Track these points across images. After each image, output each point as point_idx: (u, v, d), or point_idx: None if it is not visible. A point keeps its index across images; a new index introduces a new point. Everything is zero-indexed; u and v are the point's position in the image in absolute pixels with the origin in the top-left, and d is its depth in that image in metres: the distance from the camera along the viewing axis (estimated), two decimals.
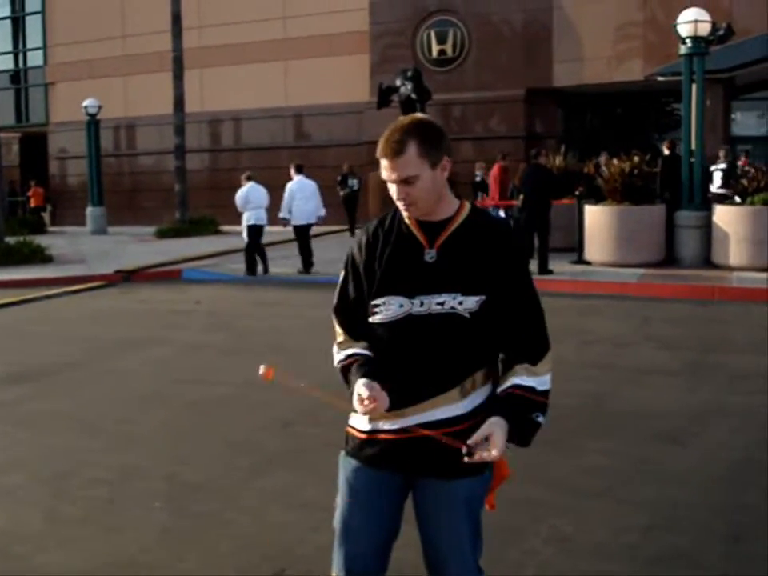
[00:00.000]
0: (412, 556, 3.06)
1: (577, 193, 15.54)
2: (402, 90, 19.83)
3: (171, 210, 25.57)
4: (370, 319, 2.66)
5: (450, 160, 2.62)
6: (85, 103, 27.00)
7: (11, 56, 35.21)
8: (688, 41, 14.77)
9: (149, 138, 30.24)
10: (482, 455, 2.46)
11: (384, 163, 2.56)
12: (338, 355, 2.76)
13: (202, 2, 28.45)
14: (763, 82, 22.44)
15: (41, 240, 19.43)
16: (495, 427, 2.49)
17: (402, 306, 2.59)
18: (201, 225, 24.55)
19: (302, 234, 15.83)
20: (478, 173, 19.74)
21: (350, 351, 2.72)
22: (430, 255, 2.60)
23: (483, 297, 2.56)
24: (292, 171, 16.12)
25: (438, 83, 23.15)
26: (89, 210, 27.45)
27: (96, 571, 4.21)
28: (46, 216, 30.81)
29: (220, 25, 28.26)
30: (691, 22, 14.65)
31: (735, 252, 13.90)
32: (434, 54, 25.11)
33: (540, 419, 2.62)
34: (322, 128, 27.54)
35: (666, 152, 16.55)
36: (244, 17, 27.86)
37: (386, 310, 2.61)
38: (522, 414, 2.58)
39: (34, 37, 34.09)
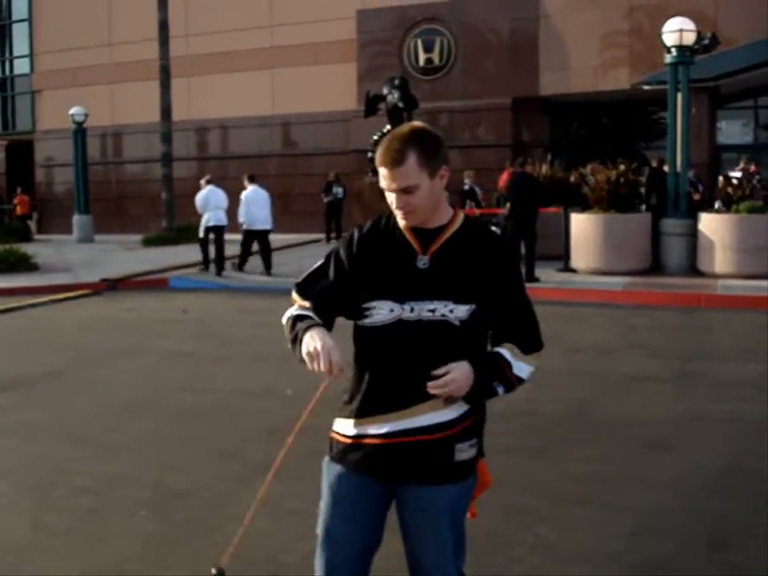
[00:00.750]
0: (394, 565, 3.07)
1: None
2: (389, 98, 19.86)
3: (158, 218, 25.52)
4: (361, 322, 2.66)
5: (447, 168, 2.64)
6: (71, 111, 26.94)
7: None
8: (673, 50, 14.87)
9: (136, 146, 30.19)
10: (439, 385, 2.49)
11: (384, 172, 2.56)
12: (290, 311, 2.75)
13: (189, 10, 28.46)
14: (748, 91, 22.61)
15: (27, 248, 19.34)
16: (462, 368, 2.53)
17: (392, 310, 2.60)
18: (188, 233, 24.45)
19: (260, 239, 16.70)
20: (466, 181, 19.75)
21: (304, 311, 2.70)
22: (422, 262, 2.61)
23: (474, 306, 2.58)
24: (246, 181, 17.16)
25: (425, 92, 23.20)
26: (75, 217, 27.37)
27: None
28: (32, 224, 30.70)
29: (207, 33, 28.26)
30: (676, 31, 14.75)
31: (721, 260, 13.97)
32: (421, 62, 25.18)
33: (500, 391, 2.65)
34: (310, 136, 27.55)
35: (654, 164, 16.58)
36: (231, 25, 27.86)
37: (376, 313, 2.62)
38: (489, 376, 2.61)
39: (20, 44, 34.02)
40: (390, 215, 2.69)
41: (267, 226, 16.79)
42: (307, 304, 2.72)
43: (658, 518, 4.75)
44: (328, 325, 2.67)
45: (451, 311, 2.57)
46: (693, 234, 14.55)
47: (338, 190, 23.29)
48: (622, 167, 15.14)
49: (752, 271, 13.59)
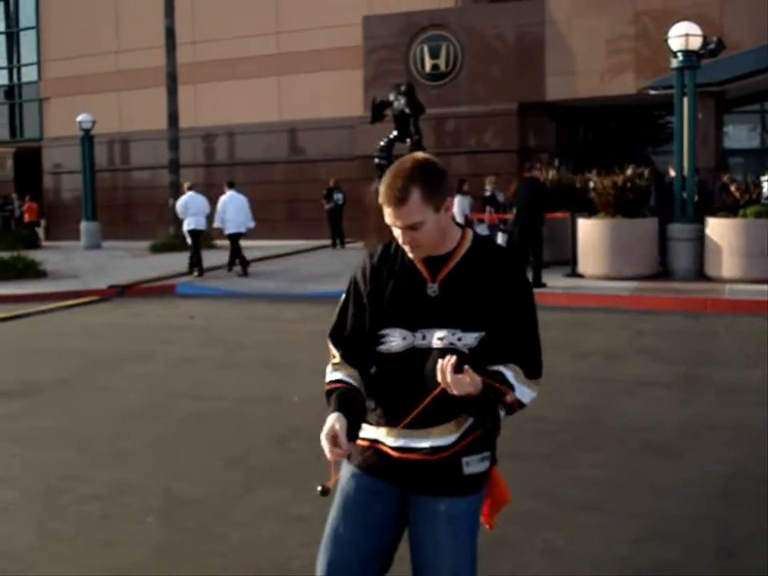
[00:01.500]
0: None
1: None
2: (396, 104, 19.89)
3: (165, 224, 25.60)
4: (376, 348, 2.69)
5: (451, 200, 2.63)
6: (79, 118, 27.03)
7: (5, 71, 35.30)
8: (679, 54, 14.86)
9: (143, 152, 30.29)
10: (453, 377, 2.43)
11: (388, 211, 2.55)
12: (328, 376, 2.77)
13: (196, 17, 28.56)
14: (754, 95, 22.59)
15: (35, 255, 19.43)
16: (477, 383, 2.47)
17: (404, 338, 2.63)
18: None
19: (234, 241, 17.63)
20: (488, 187, 19.55)
21: (337, 375, 2.74)
22: (432, 289, 2.62)
23: (483, 333, 2.59)
24: (225, 187, 18.11)
25: (432, 97, 23.24)
26: (83, 224, 27.46)
27: None
28: (40, 231, 30.81)
29: (214, 40, 28.36)
30: (682, 36, 14.76)
31: (728, 264, 13.96)
32: (427, 68, 25.21)
33: (501, 413, 2.61)
34: (316, 142, 27.61)
35: (672, 173, 16.39)
36: (237, 32, 27.96)
37: (389, 342, 2.65)
38: (495, 397, 2.56)
39: (28, 52, 34.17)
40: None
41: (242, 229, 17.62)
42: (337, 355, 2.77)
43: (664, 524, 4.75)
44: (363, 363, 2.72)
45: (459, 339, 2.58)
46: (700, 238, 14.54)
47: (339, 196, 23.35)
48: (628, 172, 15.14)
49: (759, 276, 13.56)
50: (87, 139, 27.30)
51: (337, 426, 2.56)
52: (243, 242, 17.87)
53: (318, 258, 21.12)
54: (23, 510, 5.27)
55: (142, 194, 30.55)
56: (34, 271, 18.02)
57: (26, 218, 31.02)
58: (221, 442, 6.53)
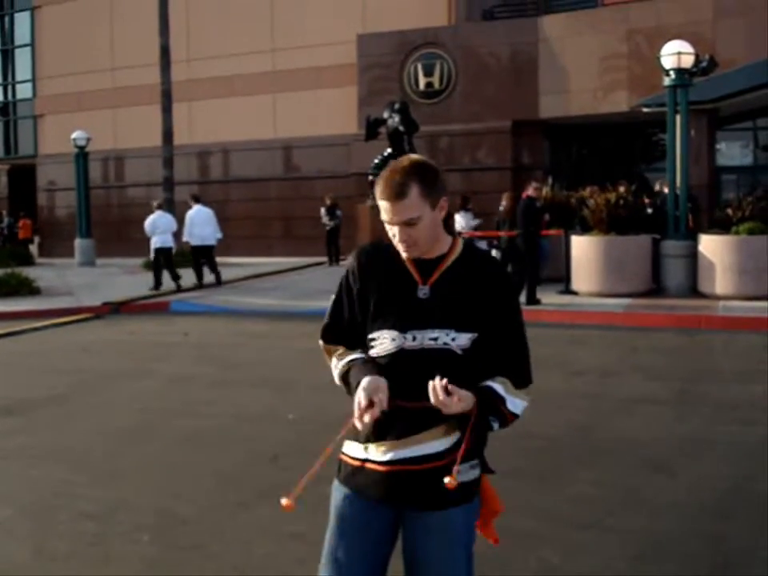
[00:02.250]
0: None
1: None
2: (390, 122, 19.97)
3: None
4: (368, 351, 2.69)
5: (446, 199, 2.66)
6: (73, 135, 27.04)
7: (0, 88, 35.33)
8: (672, 73, 14.95)
9: (137, 170, 30.32)
10: (444, 397, 2.45)
11: (386, 206, 2.57)
12: (338, 367, 2.75)
13: (191, 35, 28.66)
14: (747, 113, 22.70)
15: (29, 272, 19.40)
16: (469, 401, 2.51)
17: (394, 340, 2.62)
18: (189, 256, 24.51)
19: (203, 254, 18.59)
20: (504, 203, 19.21)
21: (351, 356, 2.72)
22: (423, 292, 2.64)
23: (476, 334, 2.61)
24: (191, 201, 18.89)
25: (426, 115, 23.32)
26: (77, 241, 27.43)
27: None
28: (33, 248, 30.78)
29: (208, 58, 28.46)
30: (675, 54, 14.85)
31: (721, 281, 14.00)
32: (421, 86, 25.31)
33: (495, 426, 2.65)
34: (311, 160, 27.67)
35: (665, 190, 16.42)
36: (232, 50, 28.06)
37: (379, 344, 2.65)
38: (486, 408, 2.59)
39: (23, 69, 34.26)
40: (390, 244, 2.69)
41: (210, 241, 18.55)
42: (341, 349, 2.77)
43: (660, 541, 4.74)
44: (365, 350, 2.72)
45: (453, 339, 2.59)
46: (693, 255, 14.59)
47: (339, 213, 23.41)
48: (621, 189, 15.19)
49: (753, 292, 13.61)
50: (82, 156, 27.30)
51: (381, 383, 2.54)
52: (236, 260, 18.05)
53: (313, 274, 21.14)
54: (17, 528, 5.25)
55: (137, 211, 30.39)
56: (27, 288, 17.99)
57: (20, 234, 31.00)
58: (215, 460, 6.51)
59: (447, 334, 2.59)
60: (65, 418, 8.04)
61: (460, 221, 18.80)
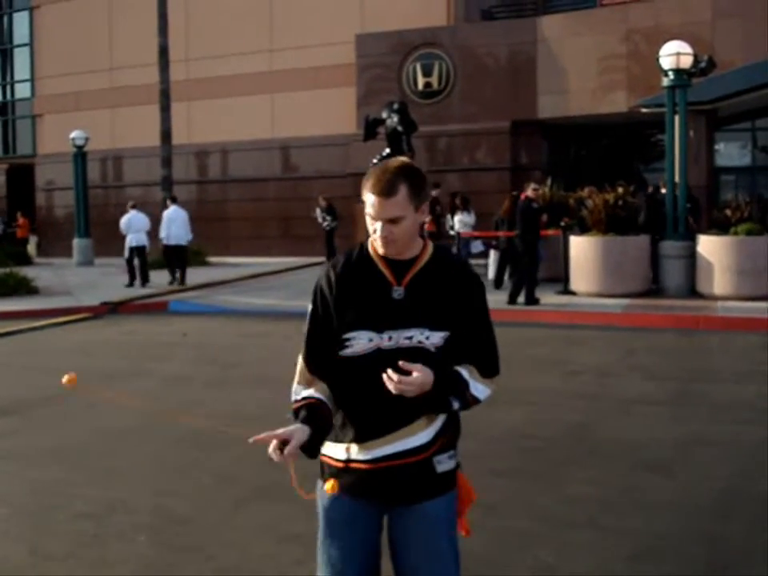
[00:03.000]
0: None
1: (563, 224, 15.63)
2: (389, 122, 19.94)
3: (158, 241, 25.55)
4: (341, 352, 2.75)
5: (428, 205, 2.77)
6: (72, 135, 27.03)
7: None
8: (670, 73, 14.96)
9: (136, 169, 30.30)
10: (401, 380, 2.57)
11: (373, 201, 2.66)
12: (297, 393, 2.81)
13: (189, 35, 28.66)
14: (745, 113, 22.71)
15: (27, 271, 19.38)
16: (428, 377, 2.60)
17: (371, 340, 2.70)
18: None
19: (176, 253, 19.11)
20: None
21: (307, 392, 2.78)
22: (397, 293, 2.72)
23: (448, 333, 2.71)
24: (168, 202, 19.78)
25: (424, 115, 23.31)
26: (75, 241, 27.40)
27: None
28: (31, 247, 30.75)
29: (207, 58, 28.45)
30: (673, 54, 14.86)
31: (719, 281, 14.00)
32: (420, 86, 25.30)
33: (455, 405, 2.73)
34: (309, 160, 27.66)
35: (663, 191, 16.46)
36: (231, 50, 28.05)
37: (355, 344, 2.72)
38: (447, 390, 2.69)
39: (21, 69, 34.24)
40: (362, 248, 2.81)
41: (183, 242, 19.13)
42: (306, 371, 2.82)
43: (657, 541, 4.75)
44: (331, 375, 2.79)
45: (427, 338, 2.70)
46: (692, 256, 14.59)
47: (335, 214, 23.47)
48: (620, 190, 15.20)
49: (751, 293, 13.62)
50: (80, 156, 27.29)
51: (297, 435, 2.62)
52: (235, 259, 18.08)
53: (311, 274, 21.12)
54: (15, 528, 5.25)
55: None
56: (26, 288, 17.98)
57: (18, 234, 30.99)
58: (213, 460, 6.51)
59: (422, 333, 2.69)
60: (62, 417, 8.03)
61: (461, 220, 18.81)
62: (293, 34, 27.29)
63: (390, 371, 2.58)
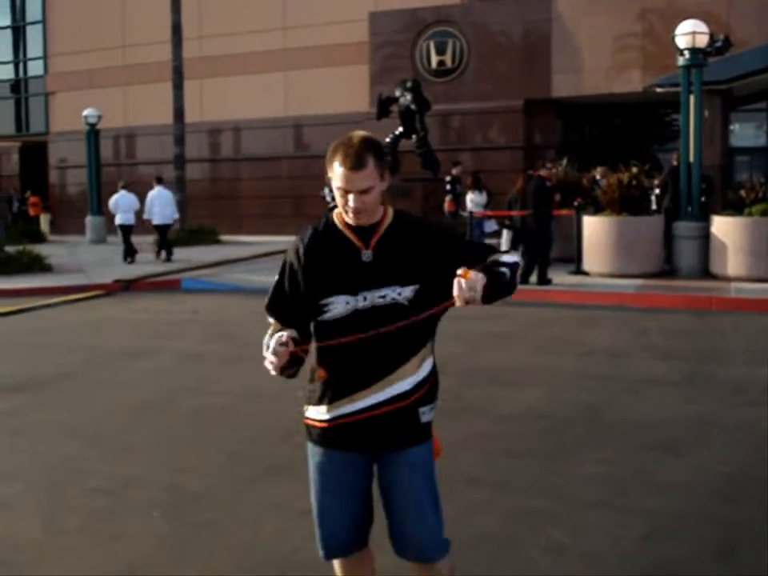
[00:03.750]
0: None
1: (576, 204, 15.56)
2: (402, 100, 19.89)
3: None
4: (320, 318, 2.95)
5: (389, 174, 2.97)
6: (85, 113, 27.05)
7: (12, 65, 35.33)
8: (686, 52, 14.84)
9: (149, 147, 30.29)
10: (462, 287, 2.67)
11: (345, 174, 2.82)
12: (268, 338, 2.96)
13: (203, 12, 28.55)
14: (761, 93, 22.52)
15: (40, 249, 19.45)
16: (480, 279, 2.71)
17: (347, 302, 2.91)
18: (201, 234, 24.57)
19: (162, 232, 19.67)
20: (598, 177, 18.49)
21: (278, 332, 2.96)
22: (366, 255, 2.93)
23: (418, 286, 2.93)
24: (154, 182, 20.11)
25: (438, 94, 23.23)
26: (88, 219, 27.48)
27: None
28: (45, 225, 30.81)
29: (220, 35, 28.37)
30: (689, 33, 14.73)
31: (733, 263, 13.94)
32: (434, 64, 25.18)
33: (507, 273, 2.85)
34: (322, 138, 27.49)
35: (674, 163, 16.39)
36: (244, 27, 27.96)
37: (333, 308, 2.92)
38: (494, 267, 2.84)
39: (34, 46, 34.19)
40: (326, 219, 3.02)
41: (168, 221, 19.78)
42: (275, 322, 3.06)
43: (669, 522, 4.75)
44: (301, 330, 2.99)
45: (399, 294, 2.92)
46: (705, 236, 14.52)
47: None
48: (634, 169, 15.12)
49: (765, 274, 13.56)
50: (93, 134, 27.33)
51: (289, 333, 2.89)
52: (247, 238, 18.14)
53: None
54: (29, 504, 5.29)
55: (147, 189, 30.46)
56: (39, 265, 18.05)
57: (31, 212, 31.07)
58: (226, 437, 6.54)
59: (393, 290, 2.92)
60: (76, 394, 8.08)
61: (474, 199, 18.73)
62: (306, 11, 27.16)
63: (456, 281, 2.66)
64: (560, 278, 14.44)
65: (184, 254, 20.49)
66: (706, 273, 14.48)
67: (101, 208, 27.41)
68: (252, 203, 28.47)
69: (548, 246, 14.35)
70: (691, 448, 6.07)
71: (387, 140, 19.60)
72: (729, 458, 5.85)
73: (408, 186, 20.64)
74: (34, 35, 34.16)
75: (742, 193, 14.72)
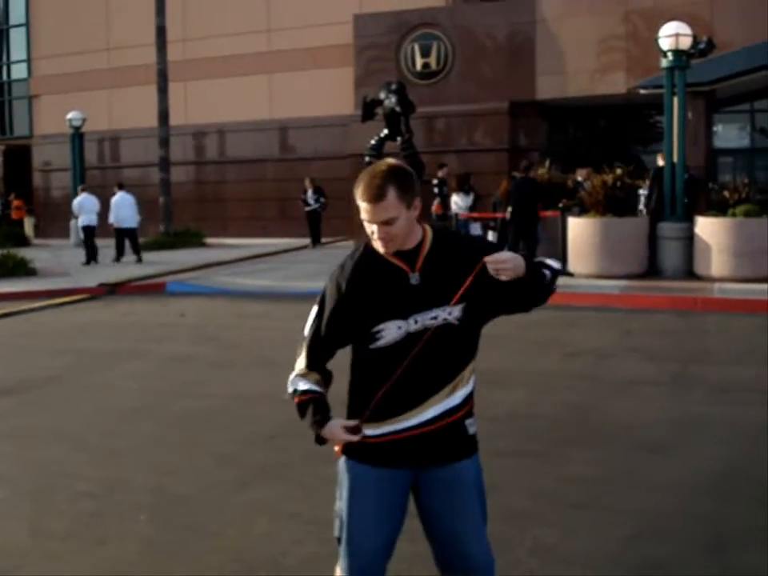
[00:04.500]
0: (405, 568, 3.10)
1: (561, 205, 15.61)
2: (387, 102, 19.84)
3: (156, 222, 25.52)
4: (372, 345, 2.89)
5: (420, 200, 2.91)
6: (69, 116, 26.93)
7: None
8: (669, 54, 14.90)
9: (133, 150, 30.17)
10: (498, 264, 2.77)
11: (366, 207, 2.81)
12: (295, 384, 2.98)
13: (187, 15, 28.48)
14: (744, 95, 22.66)
15: (25, 252, 19.36)
16: (518, 259, 2.81)
17: (400, 327, 2.87)
18: (186, 237, 24.52)
19: (127, 234, 20.41)
20: (579, 179, 18.48)
21: (306, 386, 2.96)
22: (414, 278, 2.88)
23: (464, 303, 2.89)
24: (115, 188, 21.03)
25: (422, 96, 23.20)
26: (72, 222, 27.35)
27: None
28: (29, 229, 30.68)
29: (204, 38, 28.28)
30: (672, 35, 14.79)
31: (717, 263, 14.00)
32: (418, 66, 25.18)
33: (548, 274, 2.95)
34: (307, 141, 27.57)
35: (660, 163, 16.39)
36: (228, 30, 27.89)
37: (386, 335, 2.88)
38: (534, 263, 2.93)
39: (18, 49, 33.99)
40: (366, 248, 2.96)
41: (133, 224, 20.46)
42: (303, 364, 3.00)
43: (656, 521, 4.77)
44: (323, 371, 3.01)
45: (450, 313, 2.87)
46: (689, 237, 14.58)
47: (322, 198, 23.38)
48: (618, 171, 15.17)
49: (749, 274, 13.62)
50: (77, 137, 27.20)
51: (348, 423, 2.89)
52: (232, 241, 18.11)
53: (308, 256, 21.12)
54: (15, 508, 5.26)
55: (133, 192, 30.45)
56: (23, 269, 17.95)
57: (14, 215, 30.92)
58: (213, 440, 6.53)
59: (444, 310, 2.87)
60: (62, 398, 8.05)
61: (458, 201, 18.77)
62: (290, 14, 27.12)
63: (489, 258, 2.75)
64: None
65: (169, 257, 20.46)
66: (690, 273, 14.53)
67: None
68: (237, 206, 28.41)
69: (534, 243, 14.34)
70: (678, 447, 6.09)
71: (372, 142, 19.59)
72: (716, 457, 5.87)
73: None
74: (17, 38, 33.96)
75: (726, 194, 14.79)
